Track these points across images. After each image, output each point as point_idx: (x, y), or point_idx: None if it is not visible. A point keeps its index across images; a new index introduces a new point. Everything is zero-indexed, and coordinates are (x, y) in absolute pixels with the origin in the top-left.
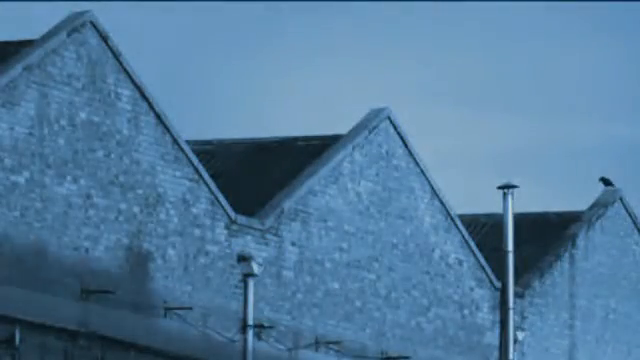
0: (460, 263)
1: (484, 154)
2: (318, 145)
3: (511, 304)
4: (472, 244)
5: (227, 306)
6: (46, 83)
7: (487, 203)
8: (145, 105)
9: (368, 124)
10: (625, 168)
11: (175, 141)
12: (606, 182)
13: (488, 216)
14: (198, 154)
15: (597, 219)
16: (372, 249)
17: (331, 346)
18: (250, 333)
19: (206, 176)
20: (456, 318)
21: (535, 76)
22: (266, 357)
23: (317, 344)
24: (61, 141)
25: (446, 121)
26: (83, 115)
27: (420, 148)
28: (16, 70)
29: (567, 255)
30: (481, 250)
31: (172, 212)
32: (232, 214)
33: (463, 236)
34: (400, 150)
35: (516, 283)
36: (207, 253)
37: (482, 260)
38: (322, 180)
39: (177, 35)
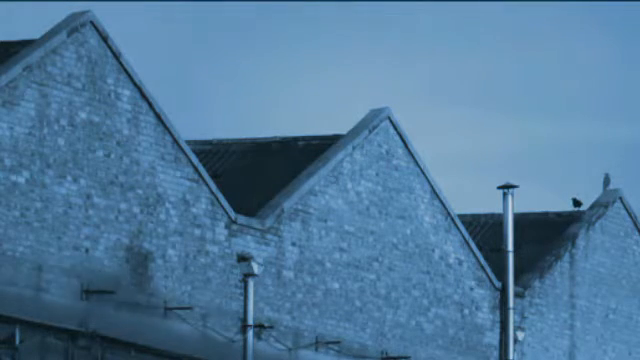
0: (460, 263)
1: (484, 154)
2: (318, 145)
3: (511, 304)
4: (472, 244)
5: (227, 306)
6: (46, 83)
7: (487, 203)
8: (145, 105)
9: (368, 124)
10: (625, 168)
11: (175, 141)
12: (576, 203)
13: (488, 216)
14: (198, 154)
15: (597, 219)
16: (372, 249)
17: (331, 346)
18: (250, 333)
19: (206, 176)
20: (456, 318)
21: (535, 76)
22: (266, 357)
23: (317, 344)
24: (61, 141)
25: (446, 121)
26: (83, 115)
27: (420, 148)
28: (16, 70)
29: (567, 255)
30: (481, 250)
31: (172, 212)
32: (232, 214)
33: (463, 236)
34: (400, 150)
35: (516, 283)
36: (207, 253)
37: (482, 260)
38: (322, 180)
39: (177, 35)
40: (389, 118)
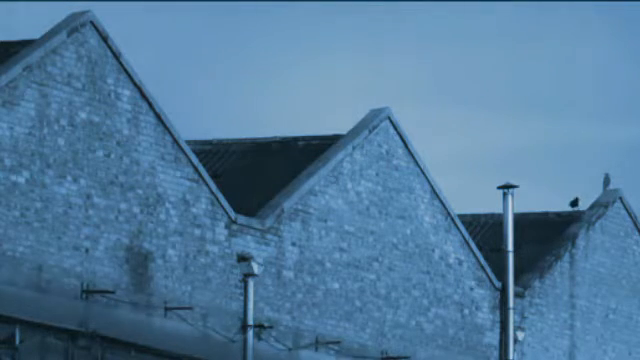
0: (460, 263)
1: (484, 154)
2: (318, 145)
3: (511, 304)
4: (472, 244)
5: (227, 306)
6: (46, 83)
7: (487, 203)
8: (145, 105)
9: (368, 124)
10: (625, 168)
11: (175, 141)
12: (574, 203)
13: (488, 216)
14: (198, 154)
15: (597, 219)
16: (372, 249)
17: (331, 346)
18: (250, 333)
19: (206, 176)
20: (456, 318)
21: (535, 76)
22: (266, 357)
23: (317, 344)
24: (61, 141)
25: (446, 121)
26: (83, 115)
27: (420, 148)
28: (16, 70)
29: (567, 255)
30: (481, 250)
31: (172, 212)
32: (232, 214)
33: (463, 236)
34: (400, 150)
35: (516, 283)
36: (207, 253)
37: (482, 260)
38: (322, 180)
39: (177, 35)
40: (389, 118)
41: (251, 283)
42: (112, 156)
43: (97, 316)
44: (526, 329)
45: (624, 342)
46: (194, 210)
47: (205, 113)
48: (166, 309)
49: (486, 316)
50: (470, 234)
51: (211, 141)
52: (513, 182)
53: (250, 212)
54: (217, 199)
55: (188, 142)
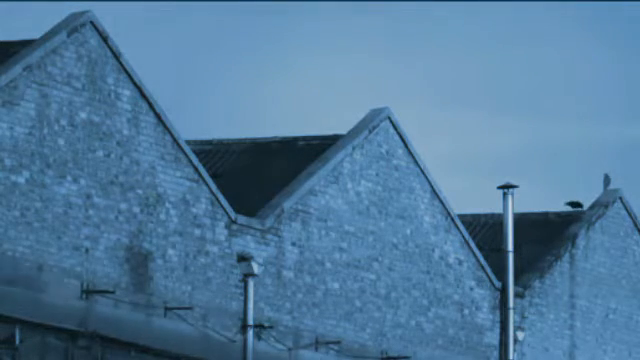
0: (460, 263)
1: (484, 154)
2: (318, 145)
3: (511, 304)
4: (472, 244)
5: (227, 306)
6: (46, 83)
7: (487, 203)
8: (145, 105)
9: (368, 124)
10: (625, 168)
11: (175, 141)
12: (574, 205)
13: (488, 216)
14: (198, 154)
15: (597, 219)
16: (372, 249)
17: (331, 346)
18: (250, 333)
19: (206, 176)
20: (456, 318)
21: (535, 77)
22: (266, 357)
23: (317, 344)
24: (61, 141)
25: (446, 121)
26: (83, 115)
27: (420, 148)
28: (16, 70)
29: (567, 255)
30: (481, 250)
31: (172, 212)
32: (232, 214)
33: (463, 236)
34: (400, 150)
35: (516, 283)
36: (207, 253)
37: (482, 260)
38: (322, 180)
39: (177, 35)
40: (389, 118)
41: (251, 283)
42: (112, 156)
43: (97, 316)
44: (526, 329)
45: (624, 342)
46: (194, 210)
47: (205, 113)
48: (166, 309)
49: (486, 316)
50: (470, 234)
51: (211, 141)
52: (513, 182)
53: (250, 212)
54: (217, 199)
55: (188, 142)
